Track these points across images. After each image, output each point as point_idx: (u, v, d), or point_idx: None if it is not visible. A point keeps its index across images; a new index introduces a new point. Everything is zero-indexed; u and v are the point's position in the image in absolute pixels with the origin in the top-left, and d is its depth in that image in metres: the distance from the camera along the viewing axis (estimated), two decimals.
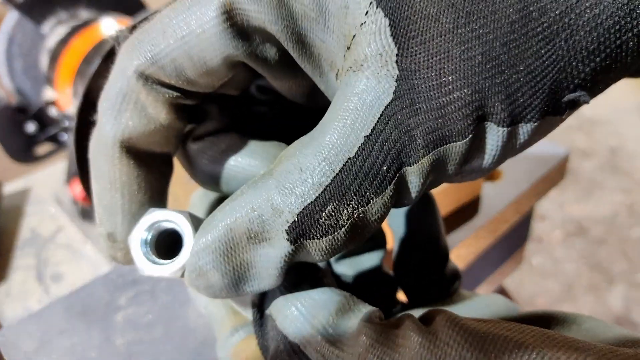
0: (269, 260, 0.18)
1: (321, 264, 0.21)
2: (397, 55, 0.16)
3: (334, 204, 0.17)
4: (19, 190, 0.68)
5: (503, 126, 0.17)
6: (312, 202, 0.16)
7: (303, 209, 0.16)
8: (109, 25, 0.56)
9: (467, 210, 0.46)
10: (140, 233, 0.18)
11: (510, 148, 0.18)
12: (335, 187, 0.17)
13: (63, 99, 0.56)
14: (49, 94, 0.58)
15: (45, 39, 0.58)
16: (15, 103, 0.61)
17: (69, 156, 0.61)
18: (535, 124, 0.17)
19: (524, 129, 0.17)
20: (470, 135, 0.17)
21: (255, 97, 0.24)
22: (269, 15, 0.17)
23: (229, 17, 0.18)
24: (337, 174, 0.16)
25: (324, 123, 0.17)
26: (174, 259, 0.18)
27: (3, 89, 0.59)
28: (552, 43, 0.17)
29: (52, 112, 0.58)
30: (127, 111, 0.19)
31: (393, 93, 0.16)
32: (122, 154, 0.19)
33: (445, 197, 0.43)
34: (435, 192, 0.42)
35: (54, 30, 0.57)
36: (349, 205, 0.17)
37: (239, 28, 0.18)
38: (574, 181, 1.61)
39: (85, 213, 0.59)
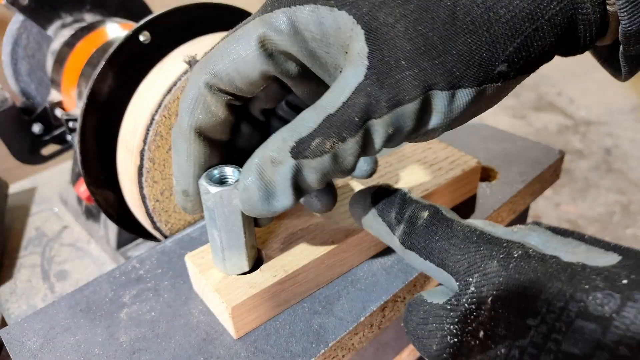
0: (283, 178, 0.26)
1: None
2: (368, 53, 0.24)
3: (320, 138, 0.25)
4: (25, 190, 0.68)
5: (444, 90, 0.24)
6: (305, 136, 0.25)
7: (299, 139, 0.25)
8: (114, 30, 0.57)
9: (464, 209, 0.47)
10: (205, 177, 0.31)
11: (455, 106, 0.25)
12: (321, 129, 0.25)
13: (68, 101, 0.57)
14: (54, 95, 0.58)
15: (50, 42, 0.59)
16: (20, 104, 0.61)
17: (74, 157, 0.62)
18: (473, 88, 0.25)
19: (463, 93, 0.25)
20: (419, 99, 0.24)
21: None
22: (289, 42, 0.26)
23: (263, 45, 0.27)
24: (322, 122, 0.25)
25: (323, 95, 0.26)
26: (228, 186, 0.31)
27: (8, 91, 0.59)
28: (475, 34, 0.24)
29: (57, 113, 0.58)
30: (198, 109, 0.29)
31: (364, 76, 0.24)
32: (195, 137, 0.30)
33: (442, 197, 0.44)
34: (432, 192, 0.43)
35: (58, 33, 0.58)
36: (330, 139, 0.25)
37: (269, 52, 0.27)
38: (569, 181, 1.62)
39: (90, 212, 0.59)
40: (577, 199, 1.55)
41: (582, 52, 0.27)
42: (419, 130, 0.26)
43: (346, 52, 0.26)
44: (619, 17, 0.24)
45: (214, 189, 0.30)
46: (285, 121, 0.36)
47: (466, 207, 0.47)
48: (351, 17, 0.25)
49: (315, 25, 0.26)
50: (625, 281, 0.20)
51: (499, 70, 0.25)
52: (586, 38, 0.25)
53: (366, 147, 0.26)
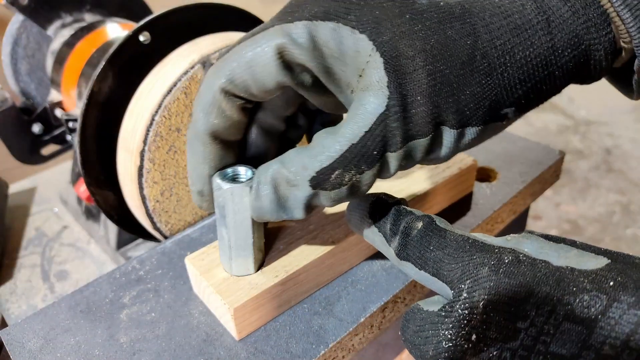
0: (297, 199, 0.27)
1: None
2: (387, 82, 0.25)
3: (340, 170, 0.26)
4: (25, 190, 0.68)
5: (454, 128, 0.25)
6: (326, 166, 0.26)
7: (320, 169, 0.26)
8: (114, 30, 0.57)
9: (460, 208, 0.47)
10: (218, 174, 0.32)
11: (461, 143, 0.26)
12: (342, 160, 0.25)
13: (68, 101, 0.57)
14: (54, 95, 0.58)
15: (50, 42, 0.59)
16: (20, 104, 0.61)
17: (74, 157, 0.62)
18: (480, 127, 0.26)
19: (471, 131, 0.26)
20: (431, 135, 0.25)
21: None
22: (308, 56, 0.26)
23: (281, 56, 0.26)
24: (344, 152, 0.25)
25: (344, 122, 0.26)
26: (240, 183, 0.31)
27: (8, 91, 0.59)
28: (490, 76, 0.25)
29: (57, 113, 0.58)
30: (213, 113, 0.29)
31: (385, 106, 0.25)
32: (210, 140, 0.30)
33: (439, 195, 0.44)
34: (429, 191, 0.43)
35: (58, 33, 0.58)
36: (349, 172, 0.26)
37: (287, 63, 0.27)
38: (569, 181, 1.62)
39: (90, 212, 0.59)
40: (577, 199, 1.55)
41: (589, 83, 0.27)
42: (426, 159, 0.27)
43: (360, 76, 0.26)
44: (636, 54, 0.24)
45: (226, 186, 0.31)
46: (302, 130, 0.37)
47: (462, 206, 0.47)
48: (371, 43, 0.25)
49: (335, 43, 0.26)
50: (611, 283, 0.21)
51: (505, 111, 0.25)
52: (595, 75, 0.26)
53: (380, 174, 0.27)
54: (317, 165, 0.26)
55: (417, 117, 0.25)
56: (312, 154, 0.26)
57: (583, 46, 0.24)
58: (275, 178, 0.27)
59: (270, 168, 0.28)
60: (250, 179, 0.31)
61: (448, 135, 0.26)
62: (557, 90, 0.26)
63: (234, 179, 0.32)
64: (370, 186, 0.27)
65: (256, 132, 0.33)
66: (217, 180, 0.31)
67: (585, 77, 0.26)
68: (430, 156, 0.27)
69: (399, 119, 0.25)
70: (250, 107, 0.31)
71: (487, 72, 0.24)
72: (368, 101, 0.25)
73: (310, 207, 0.28)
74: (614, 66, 0.27)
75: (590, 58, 0.25)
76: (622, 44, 0.25)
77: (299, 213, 0.28)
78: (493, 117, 0.25)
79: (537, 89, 0.25)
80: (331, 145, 0.26)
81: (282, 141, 0.36)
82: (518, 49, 0.24)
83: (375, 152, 0.25)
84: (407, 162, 0.27)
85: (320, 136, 0.27)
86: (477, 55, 0.24)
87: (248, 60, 0.27)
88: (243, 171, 0.32)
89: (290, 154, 0.27)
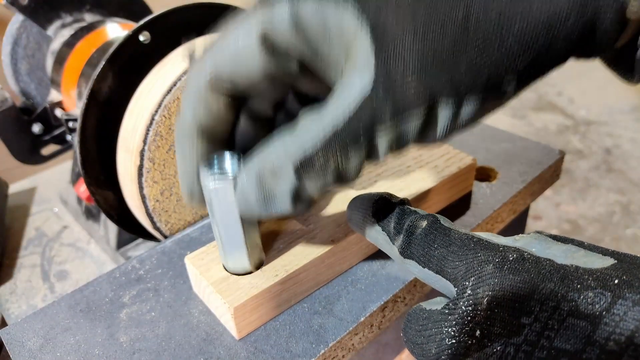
0: (283, 190, 0.26)
1: None
2: (374, 60, 0.23)
3: (324, 155, 0.25)
4: (24, 190, 0.68)
5: (448, 107, 0.24)
6: (309, 152, 0.25)
7: (303, 156, 0.25)
8: (114, 30, 0.57)
9: (460, 206, 0.47)
10: (204, 166, 0.30)
11: (458, 122, 0.25)
12: (326, 145, 0.24)
13: (68, 101, 0.57)
14: (54, 95, 0.58)
15: (50, 42, 0.59)
16: (20, 104, 0.61)
17: (74, 157, 0.62)
18: (476, 104, 0.24)
19: (467, 109, 0.24)
20: (423, 115, 0.24)
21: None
22: (291, 38, 0.25)
23: (264, 41, 0.25)
24: (328, 136, 0.24)
25: (328, 104, 0.25)
26: (224, 180, 0.30)
27: (8, 91, 0.59)
28: (486, 49, 0.23)
29: (57, 113, 0.58)
30: (200, 108, 0.28)
31: (371, 89, 0.24)
32: (197, 137, 0.29)
33: (439, 194, 0.44)
34: (428, 190, 0.43)
35: (58, 33, 0.58)
36: (335, 157, 0.25)
37: (271, 49, 0.26)
38: (569, 181, 1.62)
39: (90, 212, 0.59)
40: (577, 199, 1.55)
41: (593, 58, 0.26)
42: (421, 141, 0.26)
43: (347, 55, 0.25)
44: None
45: (211, 184, 0.30)
46: (292, 116, 0.35)
47: (462, 205, 0.47)
48: (357, 20, 0.24)
49: (318, 22, 0.25)
50: (616, 281, 0.21)
51: (504, 85, 0.24)
52: (600, 48, 0.25)
53: (369, 159, 0.26)
54: (300, 152, 0.25)
55: (408, 96, 0.24)
56: (295, 139, 0.25)
57: (589, 13, 0.23)
58: (260, 171, 0.27)
59: (254, 162, 0.27)
60: (235, 172, 0.30)
61: (443, 115, 0.24)
62: (559, 62, 0.25)
63: (220, 169, 0.31)
64: (358, 172, 0.26)
65: (244, 120, 0.32)
66: (202, 177, 0.30)
67: (590, 50, 0.25)
68: (424, 137, 0.26)
69: (387, 99, 0.23)
70: (237, 103, 0.30)
71: (482, 46, 0.23)
72: (354, 81, 0.24)
73: (297, 198, 0.27)
74: (616, 46, 0.25)
75: (595, 28, 0.23)
76: (630, 14, 0.23)
77: (287, 206, 0.27)
78: (491, 92, 0.24)
79: (538, 61, 0.24)
80: (314, 129, 0.25)
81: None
82: (516, 18, 0.23)
83: (361, 135, 0.24)
84: (398, 145, 0.26)
85: (304, 118, 0.26)
86: (470, 28, 0.23)
87: (231, 51, 0.26)
88: (228, 163, 0.31)
89: (272, 140, 0.26)
